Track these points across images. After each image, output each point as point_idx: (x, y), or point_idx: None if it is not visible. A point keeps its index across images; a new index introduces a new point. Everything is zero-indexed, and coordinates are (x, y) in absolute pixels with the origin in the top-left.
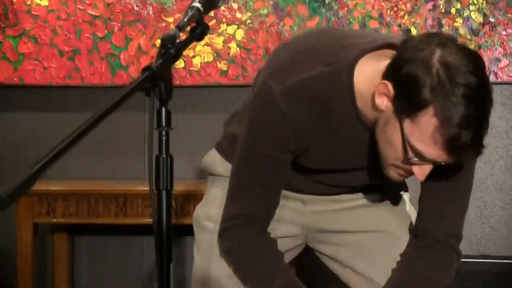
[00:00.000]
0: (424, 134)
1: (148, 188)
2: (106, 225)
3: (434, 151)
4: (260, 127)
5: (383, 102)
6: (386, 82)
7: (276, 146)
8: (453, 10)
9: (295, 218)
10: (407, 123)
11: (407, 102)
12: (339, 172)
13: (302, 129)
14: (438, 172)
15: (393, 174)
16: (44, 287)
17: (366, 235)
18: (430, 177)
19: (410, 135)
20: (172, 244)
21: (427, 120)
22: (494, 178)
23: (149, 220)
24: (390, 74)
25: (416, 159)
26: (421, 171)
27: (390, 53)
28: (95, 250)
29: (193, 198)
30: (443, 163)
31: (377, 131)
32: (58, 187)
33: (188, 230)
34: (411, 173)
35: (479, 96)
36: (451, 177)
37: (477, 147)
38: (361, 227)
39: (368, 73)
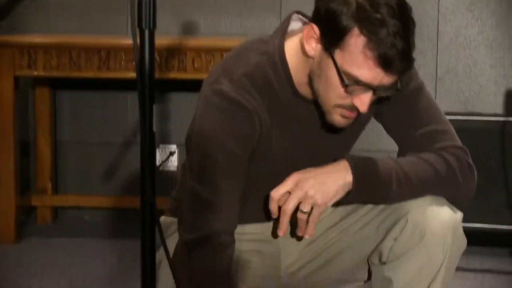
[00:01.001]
0: (354, 55)
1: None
2: (88, 79)
3: (368, 71)
4: (218, 129)
5: (312, 46)
6: (311, 24)
7: (239, 143)
8: None
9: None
10: (337, 53)
11: (332, 33)
12: (300, 163)
13: (260, 120)
14: (392, 113)
15: (338, 118)
16: (26, 140)
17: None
18: (389, 122)
19: (342, 63)
20: (155, 91)
21: (354, 41)
22: (485, 35)
23: (133, 75)
24: (313, 18)
25: (354, 86)
26: (362, 102)
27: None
28: (78, 105)
29: (177, 52)
30: (381, 89)
31: (314, 81)
32: (39, 39)
33: (172, 85)
34: (354, 111)
35: (402, 13)
36: (405, 108)
37: (407, 58)
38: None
39: (294, 46)
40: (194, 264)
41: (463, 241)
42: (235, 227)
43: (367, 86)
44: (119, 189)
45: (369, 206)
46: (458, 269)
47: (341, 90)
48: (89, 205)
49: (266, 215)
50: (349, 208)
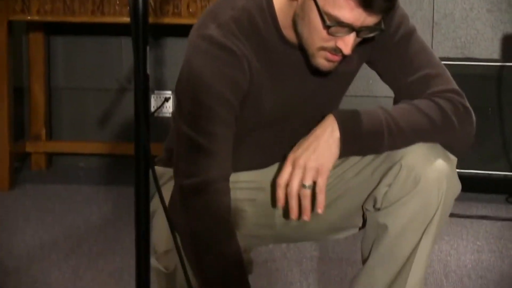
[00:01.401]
0: None
1: None
2: (82, 24)
3: (349, 12)
4: (207, 74)
5: None
6: None
7: (229, 88)
8: None
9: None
10: None
11: None
12: (290, 111)
13: (250, 65)
14: (384, 60)
15: (322, 61)
16: (20, 86)
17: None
18: (382, 69)
19: (324, 4)
20: (148, 35)
21: None
22: None
23: (127, 19)
24: None
25: (336, 27)
26: (345, 43)
27: None
28: (72, 51)
29: None
30: (364, 30)
31: (298, 24)
32: None
33: (166, 30)
34: (338, 54)
35: None
36: (396, 54)
37: None
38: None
39: None
40: (192, 212)
41: (457, 186)
42: (230, 174)
43: (350, 27)
44: (114, 135)
45: None
46: (454, 215)
47: (323, 32)
48: (83, 151)
49: (259, 163)
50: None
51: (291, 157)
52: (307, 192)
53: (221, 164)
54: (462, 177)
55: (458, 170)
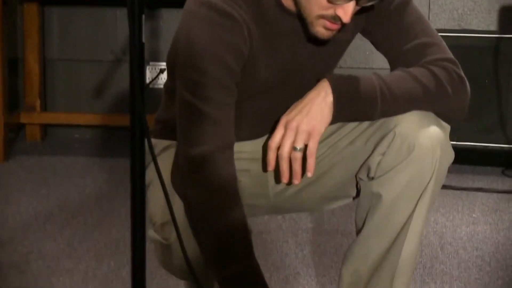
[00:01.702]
0: None
1: None
2: None
3: None
4: (208, 41)
5: None
6: None
7: (231, 54)
8: None
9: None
10: None
11: None
12: (287, 80)
13: (249, 31)
14: (379, 30)
15: (321, 30)
16: (14, 57)
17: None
18: (378, 39)
19: None
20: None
21: None
22: None
23: None
24: None
25: None
26: (345, 12)
27: None
28: (67, 21)
29: None
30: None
31: None
32: None
33: (162, 1)
34: (337, 22)
35: None
36: (392, 23)
37: None
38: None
39: None
40: (198, 181)
41: (451, 154)
42: (234, 142)
43: None
44: (109, 107)
45: (356, 122)
46: (450, 188)
47: (323, 0)
48: (78, 122)
49: (254, 133)
50: (336, 125)
51: (283, 120)
52: (298, 155)
53: (225, 132)
54: (458, 150)
55: (454, 143)
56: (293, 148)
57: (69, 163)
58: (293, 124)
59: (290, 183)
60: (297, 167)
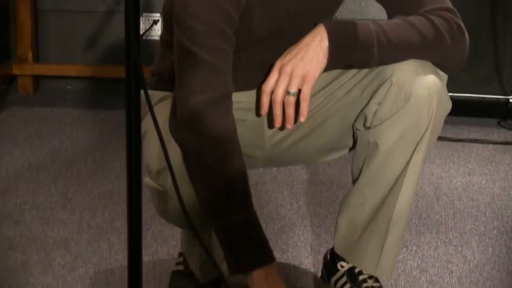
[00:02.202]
0: None
1: None
2: None
3: None
4: None
5: None
6: None
7: (230, 3)
8: None
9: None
10: None
11: None
12: (282, 33)
13: None
14: None
15: None
16: (6, 8)
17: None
18: None
19: None
20: None
21: None
22: None
23: None
24: None
25: None
26: None
27: None
28: None
29: None
30: None
31: None
32: None
33: None
34: None
35: None
36: None
37: None
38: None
39: None
40: (199, 129)
41: (448, 103)
42: (232, 91)
43: None
44: (101, 58)
45: (353, 71)
46: (446, 139)
47: None
48: (71, 74)
49: (249, 84)
50: (332, 74)
51: (278, 64)
52: (292, 99)
53: (224, 80)
54: (454, 101)
55: (450, 94)
56: (287, 93)
57: (62, 115)
58: (288, 68)
59: (283, 128)
60: (290, 111)
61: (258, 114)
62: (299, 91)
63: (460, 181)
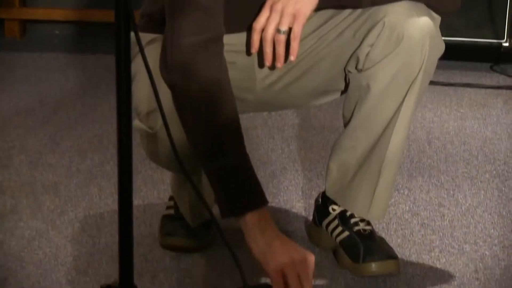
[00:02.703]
0: None
1: None
2: None
3: None
4: None
5: None
6: None
7: None
8: None
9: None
10: None
11: None
12: None
13: None
14: None
15: None
16: None
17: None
18: None
19: None
20: None
21: None
22: None
23: None
24: None
25: None
26: None
27: None
28: None
29: None
30: None
31: None
32: None
33: None
34: None
35: None
36: None
37: None
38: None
39: None
40: (191, 71)
41: (441, 45)
42: (223, 33)
43: None
44: (89, 2)
45: (345, 13)
46: (438, 83)
47: None
48: (58, 18)
49: (239, 25)
50: (324, 16)
51: (269, 2)
52: (282, 38)
53: (216, 22)
54: (446, 45)
55: (442, 38)
56: (277, 31)
57: (50, 60)
58: (279, 6)
59: (273, 68)
60: (280, 50)
61: (248, 53)
62: (290, 30)
63: (452, 125)
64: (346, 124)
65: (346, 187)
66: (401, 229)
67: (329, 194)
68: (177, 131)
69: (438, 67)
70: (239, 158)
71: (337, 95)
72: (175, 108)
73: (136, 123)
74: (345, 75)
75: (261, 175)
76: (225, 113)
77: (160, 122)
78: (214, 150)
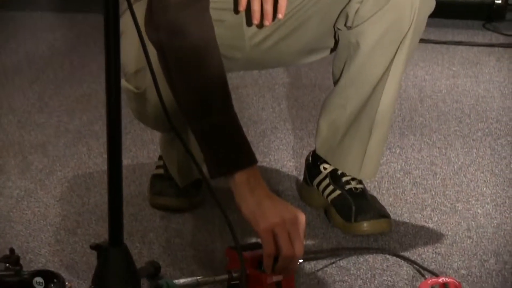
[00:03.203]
0: None
1: None
2: None
3: None
4: None
5: None
6: None
7: None
8: None
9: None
10: None
11: None
12: None
13: None
14: None
15: None
16: None
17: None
18: None
19: None
20: None
21: None
22: None
23: None
24: None
25: None
26: None
27: None
28: None
29: None
30: None
31: None
32: None
33: None
34: None
35: None
36: None
37: None
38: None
39: None
40: (178, 27)
41: (431, 3)
42: None
43: None
44: None
45: None
46: (429, 41)
47: None
48: None
49: None
50: None
51: None
52: None
53: None
54: (437, 2)
55: None
56: None
57: (37, 18)
58: None
59: (262, 26)
60: (268, 7)
61: (236, 11)
62: None
63: (444, 84)
64: (336, 82)
65: (337, 146)
66: (393, 188)
67: (320, 152)
68: (164, 91)
69: (430, 25)
70: (226, 117)
71: (326, 53)
72: (161, 67)
73: (122, 83)
74: (335, 32)
75: (252, 134)
76: (211, 71)
77: (146, 82)
78: (201, 109)
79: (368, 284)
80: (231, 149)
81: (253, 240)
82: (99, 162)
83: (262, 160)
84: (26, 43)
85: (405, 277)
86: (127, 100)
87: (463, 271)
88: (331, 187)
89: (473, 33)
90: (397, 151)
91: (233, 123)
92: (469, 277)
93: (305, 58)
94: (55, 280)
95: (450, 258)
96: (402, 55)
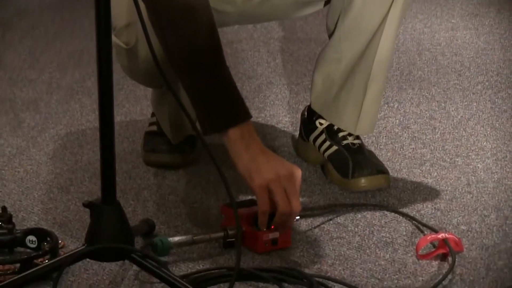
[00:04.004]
0: None
1: None
2: None
3: None
4: None
5: None
6: None
7: None
8: None
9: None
10: None
11: None
12: None
13: None
14: None
15: None
16: None
17: None
18: None
19: None
20: None
21: None
22: None
23: None
24: None
25: None
26: None
27: None
28: None
29: None
30: None
31: None
32: None
33: None
34: None
35: None
36: None
37: None
38: None
39: None
40: None
41: None
42: None
43: None
44: None
45: None
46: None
47: None
48: None
49: None
50: None
51: None
52: None
53: None
54: None
55: None
56: None
57: None
58: None
59: None
60: None
61: None
62: None
63: (443, 36)
64: (330, 36)
65: (332, 100)
66: (391, 142)
67: (315, 107)
68: (154, 46)
69: None
70: (219, 71)
71: (320, 5)
72: (151, 21)
73: (112, 38)
74: None
75: (247, 89)
76: (201, 24)
77: (135, 37)
78: (191, 63)
79: (366, 241)
80: (224, 104)
81: (249, 197)
82: (92, 119)
83: (257, 115)
84: None
85: (404, 233)
86: (116, 56)
87: (463, 227)
88: (327, 143)
89: None
90: (395, 106)
91: (225, 77)
92: (469, 232)
93: (299, 11)
94: (48, 238)
95: (450, 213)
96: (397, 7)
